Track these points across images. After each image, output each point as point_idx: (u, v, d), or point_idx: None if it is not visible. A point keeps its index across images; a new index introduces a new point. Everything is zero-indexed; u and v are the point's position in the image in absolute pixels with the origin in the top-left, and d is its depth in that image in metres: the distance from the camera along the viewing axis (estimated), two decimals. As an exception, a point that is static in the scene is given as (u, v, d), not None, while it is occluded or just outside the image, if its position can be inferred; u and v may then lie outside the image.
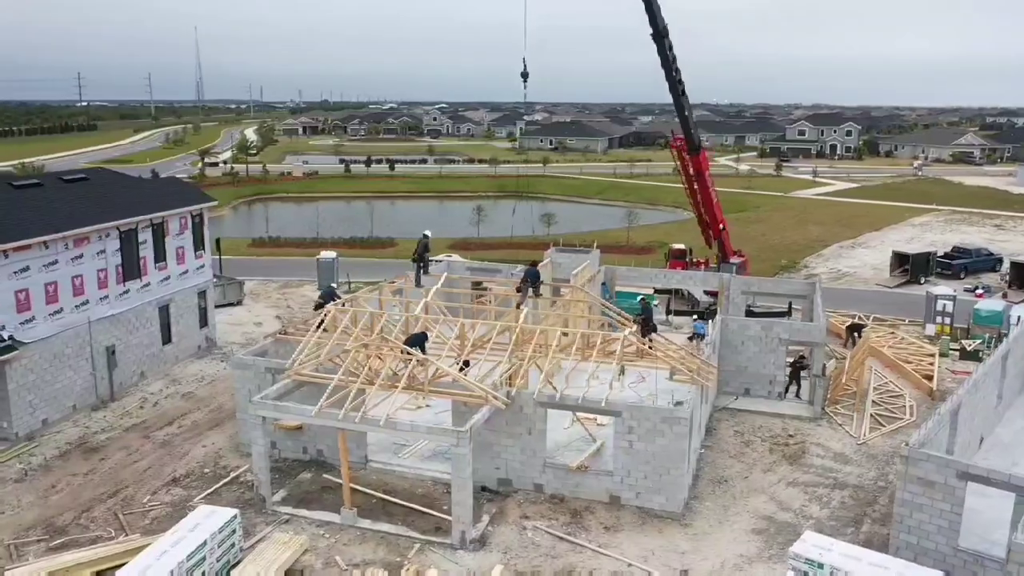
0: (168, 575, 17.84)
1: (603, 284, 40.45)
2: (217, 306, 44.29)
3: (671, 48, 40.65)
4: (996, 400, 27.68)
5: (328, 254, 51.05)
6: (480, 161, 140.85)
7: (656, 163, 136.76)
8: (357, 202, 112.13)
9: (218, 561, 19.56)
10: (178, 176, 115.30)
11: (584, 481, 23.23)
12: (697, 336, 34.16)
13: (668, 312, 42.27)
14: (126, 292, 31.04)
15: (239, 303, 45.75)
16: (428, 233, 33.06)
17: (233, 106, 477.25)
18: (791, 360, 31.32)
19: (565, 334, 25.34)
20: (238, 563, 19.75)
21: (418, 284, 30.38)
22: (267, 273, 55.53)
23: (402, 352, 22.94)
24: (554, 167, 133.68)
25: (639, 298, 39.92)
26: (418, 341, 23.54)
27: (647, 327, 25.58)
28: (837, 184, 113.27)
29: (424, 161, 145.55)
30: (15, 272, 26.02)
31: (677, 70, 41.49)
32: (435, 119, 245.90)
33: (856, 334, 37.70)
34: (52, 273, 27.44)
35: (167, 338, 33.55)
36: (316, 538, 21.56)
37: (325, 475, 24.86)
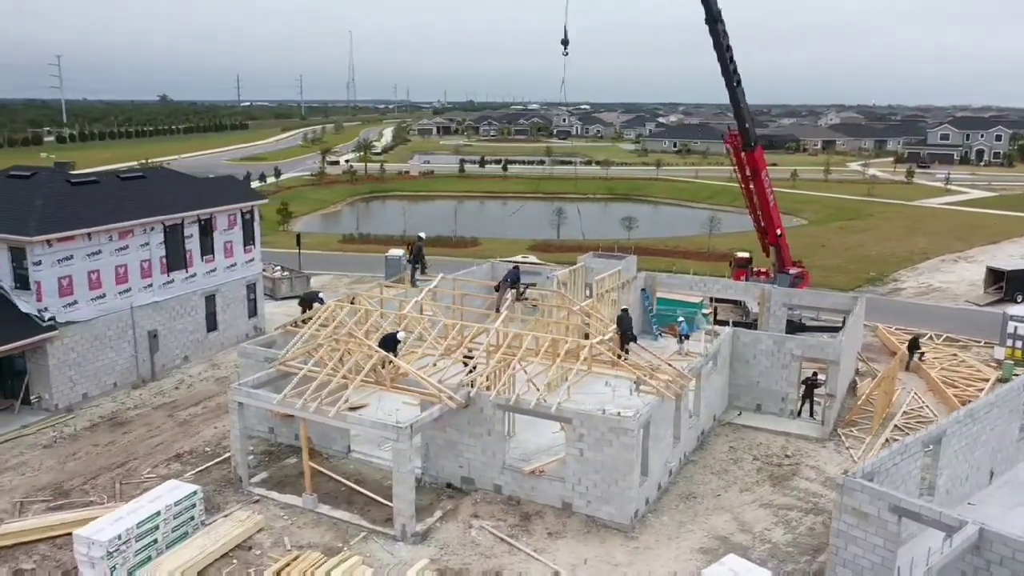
0: (116, 538, 19.65)
1: (642, 290, 39.96)
2: (283, 298, 47.26)
3: (725, 35, 39.24)
4: (1019, 434, 25.41)
5: (396, 251, 53.00)
6: (597, 163, 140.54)
7: (778, 168, 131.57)
8: (469, 201, 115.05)
9: (174, 532, 21.23)
10: (301, 174, 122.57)
11: (539, 486, 23.38)
12: (683, 336, 33.56)
13: (715, 322, 41.14)
14: (170, 282, 33.77)
15: (303, 296, 48.42)
16: (423, 235, 33.94)
17: (382, 106, 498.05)
18: (805, 378, 29.97)
19: (537, 339, 25.48)
20: (190, 535, 21.38)
21: (413, 284, 31.34)
22: (348, 268, 58.23)
23: (368, 348, 23.91)
24: (669, 170, 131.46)
25: (648, 303, 39.33)
26: (390, 340, 24.45)
27: (625, 337, 25.28)
28: (973, 193, 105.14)
29: (541, 162, 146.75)
30: (59, 260, 29.04)
31: (732, 59, 39.94)
32: (565, 120, 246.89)
33: (917, 352, 35.40)
34: (95, 262, 30.37)
35: (212, 326, 36.16)
36: (276, 519, 22.91)
37: (311, 462, 26.24)
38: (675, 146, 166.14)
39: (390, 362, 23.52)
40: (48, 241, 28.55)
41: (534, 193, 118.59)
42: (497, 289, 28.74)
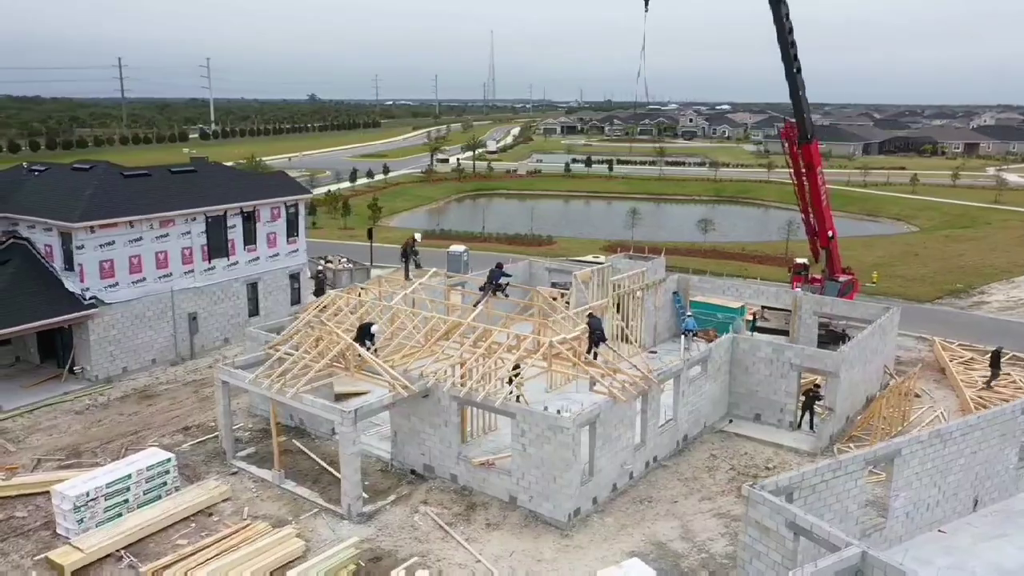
0: (84, 495, 21.79)
1: (674, 293, 39.35)
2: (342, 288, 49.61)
3: (788, 16, 37.68)
4: (1016, 461, 23.47)
5: (457, 248, 54.22)
6: (706, 164, 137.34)
7: (900, 172, 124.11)
8: (574, 201, 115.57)
9: (145, 494, 23.24)
10: (412, 171, 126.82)
11: (489, 478, 23.84)
12: (687, 332, 32.88)
13: (752, 329, 39.90)
14: (211, 268, 36.45)
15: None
16: (418, 237, 34.87)
17: (519, 106, 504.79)
18: (806, 388, 28.79)
19: (507, 335, 25.87)
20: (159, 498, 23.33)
21: (407, 277, 32.34)
22: (432, 263, 60.08)
23: (335, 336, 25.15)
24: (784, 172, 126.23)
25: (679, 306, 38.52)
26: (365, 329, 25.60)
27: (593, 337, 25.22)
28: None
29: (653, 163, 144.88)
30: (100, 245, 32.08)
31: (793, 43, 38.27)
32: (691, 120, 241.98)
33: (997, 366, 33.10)
34: (136, 248, 33.30)
35: (254, 311, 38.65)
36: (245, 491, 24.56)
37: (296, 440, 27.87)
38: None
39: (353, 350, 24.65)
40: (91, 227, 31.61)
41: (638, 193, 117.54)
42: (482, 289, 29.35)
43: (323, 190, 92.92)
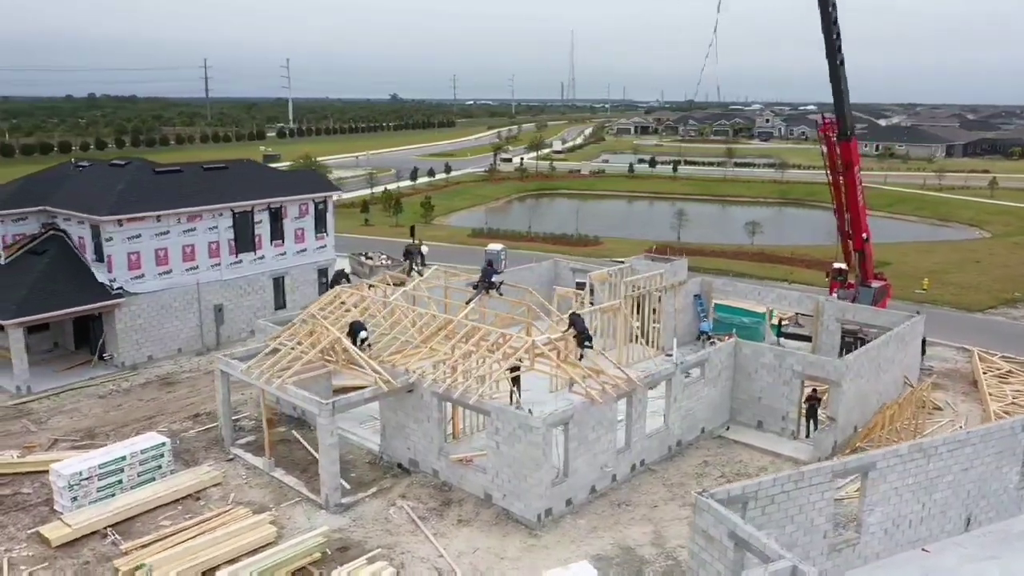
0: (77, 474, 22.96)
1: (696, 296, 38.65)
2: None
3: (834, 6, 36.48)
4: (1016, 480, 22.25)
5: (495, 246, 54.57)
6: (779, 166, 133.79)
7: (981, 176, 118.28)
8: (639, 202, 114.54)
9: (140, 476, 24.31)
10: (476, 170, 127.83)
11: (467, 475, 24.01)
12: (703, 335, 32.41)
13: (778, 334, 38.89)
14: (238, 262, 37.73)
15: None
16: (425, 250, 35.45)
17: (598, 106, 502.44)
18: (807, 395, 27.92)
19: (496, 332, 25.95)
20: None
21: (408, 274, 32.71)
22: (459, 261, 60.67)
23: (325, 331, 25.74)
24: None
25: (701, 309, 37.78)
26: (356, 327, 26.11)
27: (580, 338, 25.03)
28: None
29: (721, 164, 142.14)
30: (128, 238, 33.64)
31: (838, 33, 36.99)
32: (767, 121, 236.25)
33: None
34: (163, 241, 34.77)
35: (280, 304, 39.81)
36: (236, 477, 25.40)
37: (295, 431, 28.65)
38: (877, 149, 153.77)
39: (341, 344, 25.18)
40: (119, 221, 33.17)
41: (702, 195, 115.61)
42: (475, 287, 29.54)
43: (380, 188, 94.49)
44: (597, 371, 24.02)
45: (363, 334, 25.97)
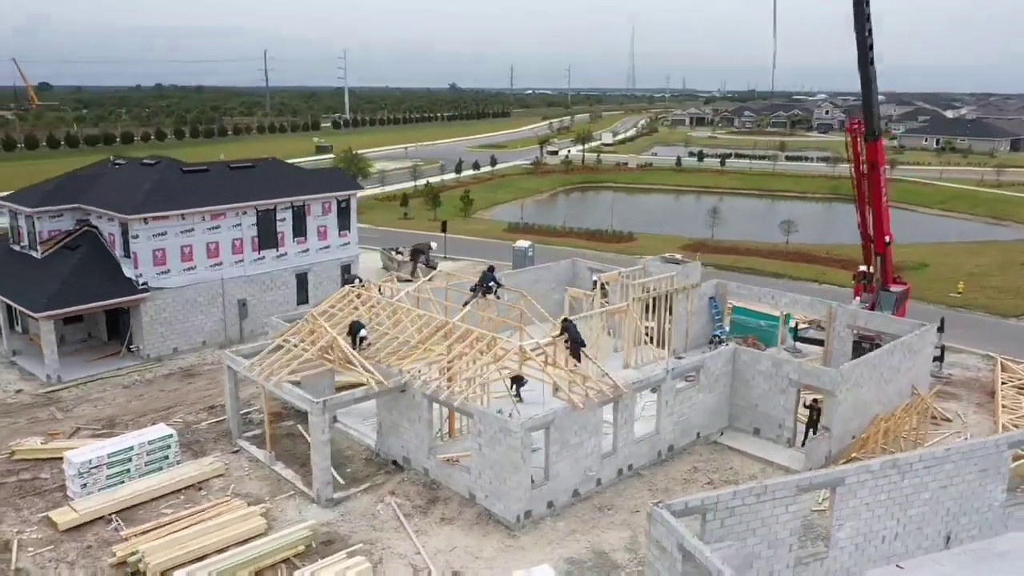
0: (87, 462, 24.38)
1: (711, 298, 38.55)
2: (405, 280, 51.63)
3: (868, 3, 35.69)
4: (1001, 498, 21.92)
5: (523, 243, 55.15)
6: (832, 160, 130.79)
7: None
8: (686, 196, 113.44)
9: (147, 465, 25.65)
10: (522, 163, 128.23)
11: (454, 475, 24.69)
12: (715, 338, 32.45)
13: (795, 338, 38.56)
14: (261, 258, 39.07)
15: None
16: (434, 245, 35.82)
17: (658, 95, 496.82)
18: (809, 403, 27.83)
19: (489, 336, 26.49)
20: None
21: (412, 274, 33.40)
22: (492, 256, 61.38)
23: (323, 330, 26.67)
24: (907, 170, 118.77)
25: (716, 312, 37.62)
26: (355, 327, 27.00)
27: (574, 345, 25.37)
28: None
29: (774, 157, 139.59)
30: (153, 235, 35.18)
31: (871, 30, 36.23)
32: (827, 112, 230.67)
33: None
34: (188, 238, 36.25)
35: (303, 299, 41.04)
36: (238, 469, 26.57)
37: (299, 425, 29.72)
38: (938, 143, 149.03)
39: (339, 343, 26.08)
40: (144, 219, 34.72)
41: (750, 189, 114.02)
42: (472, 290, 30.12)
43: (423, 182, 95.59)
44: (583, 377, 24.39)
45: (363, 333, 26.83)
